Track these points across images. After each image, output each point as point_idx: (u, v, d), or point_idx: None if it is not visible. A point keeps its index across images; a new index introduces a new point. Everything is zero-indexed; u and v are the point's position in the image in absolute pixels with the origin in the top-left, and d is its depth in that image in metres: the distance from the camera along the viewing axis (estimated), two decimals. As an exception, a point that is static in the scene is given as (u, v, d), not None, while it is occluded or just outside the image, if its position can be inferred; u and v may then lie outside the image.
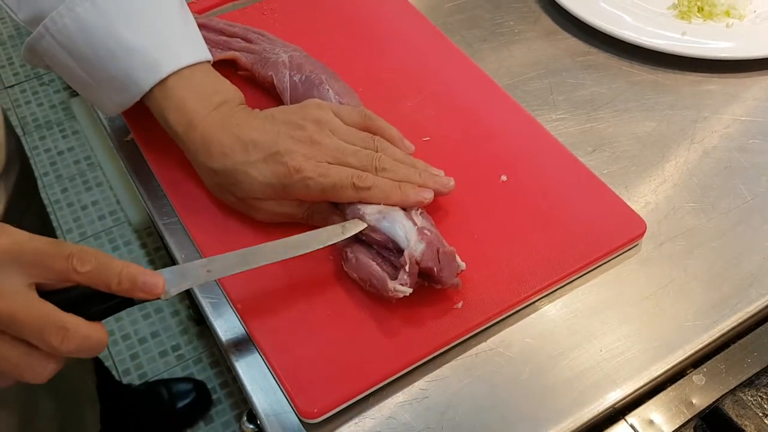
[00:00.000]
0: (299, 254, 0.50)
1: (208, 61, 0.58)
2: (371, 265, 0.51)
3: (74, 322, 0.40)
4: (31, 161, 0.81)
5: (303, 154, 0.52)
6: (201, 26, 0.61)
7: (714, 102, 0.68)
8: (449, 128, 0.64)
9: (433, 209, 0.56)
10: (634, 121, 0.66)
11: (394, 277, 0.50)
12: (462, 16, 0.77)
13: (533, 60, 0.72)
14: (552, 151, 0.62)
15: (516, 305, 0.52)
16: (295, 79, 0.62)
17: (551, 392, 0.49)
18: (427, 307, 0.51)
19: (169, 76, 0.54)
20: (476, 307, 0.51)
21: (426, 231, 0.50)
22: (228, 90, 0.57)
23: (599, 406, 0.49)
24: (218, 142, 0.53)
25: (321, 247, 0.51)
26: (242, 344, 0.52)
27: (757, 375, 0.51)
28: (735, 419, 0.48)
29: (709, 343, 0.52)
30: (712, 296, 0.54)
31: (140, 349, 1.50)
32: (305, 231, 0.52)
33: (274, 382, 0.50)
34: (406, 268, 0.49)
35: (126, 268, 0.42)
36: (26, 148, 0.81)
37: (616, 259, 0.56)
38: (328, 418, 0.48)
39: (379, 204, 0.52)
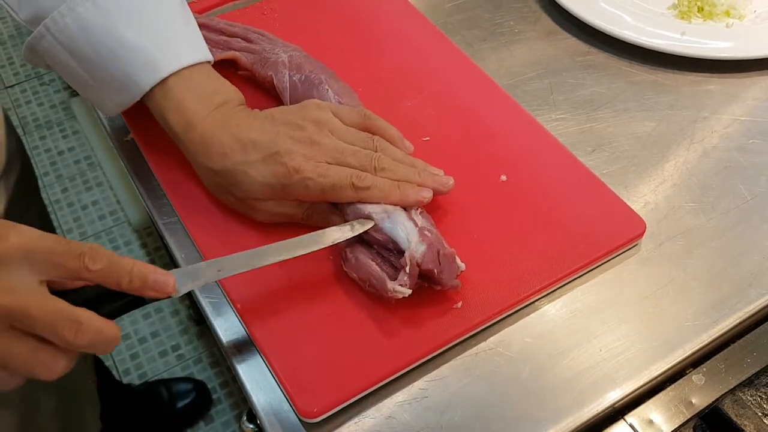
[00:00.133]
0: (308, 252, 0.50)
1: (209, 62, 0.58)
2: (371, 265, 0.51)
3: (87, 316, 0.40)
4: (32, 161, 0.81)
5: (302, 154, 0.52)
6: (201, 26, 0.61)
7: (714, 102, 0.68)
8: (449, 128, 0.64)
9: (433, 209, 0.56)
10: (634, 121, 0.66)
11: (393, 278, 0.50)
12: (462, 16, 0.77)
13: (533, 60, 0.72)
14: (552, 151, 0.62)
15: (516, 305, 0.53)
16: (294, 79, 0.62)
17: (551, 392, 0.49)
18: (427, 307, 0.51)
19: (169, 77, 0.54)
20: (476, 307, 0.51)
21: (426, 232, 0.50)
22: (228, 90, 0.57)
23: (599, 405, 0.49)
24: (218, 142, 0.53)
25: (331, 244, 0.51)
26: (242, 344, 0.52)
27: (757, 375, 0.51)
28: (734, 419, 0.48)
29: (709, 343, 0.52)
30: (711, 296, 0.54)
31: (140, 349, 1.50)
32: (305, 231, 0.52)
33: (274, 381, 0.50)
34: (407, 269, 0.49)
35: (137, 267, 0.42)
36: (26, 147, 0.81)
37: (616, 258, 0.56)
38: (327, 417, 0.48)
39: (379, 204, 0.52)
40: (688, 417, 0.50)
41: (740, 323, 0.53)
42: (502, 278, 0.53)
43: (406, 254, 0.49)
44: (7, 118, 0.73)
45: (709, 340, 0.52)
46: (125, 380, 1.45)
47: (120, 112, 0.60)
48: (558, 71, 0.71)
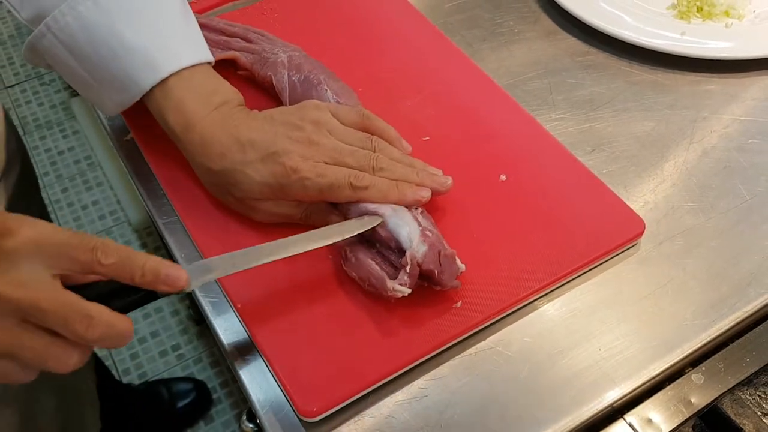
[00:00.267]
0: (320, 246, 0.50)
1: (209, 63, 0.58)
2: (371, 264, 0.51)
3: (98, 310, 0.40)
4: (32, 161, 0.81)
5: (300, 154, 0.52)
6: (201, 26, 0.61)
7: (713, 102, 0.68)
8: (449, 128, 0.64)
9: (433, 209, 0.56)
10: (634, 120, 0.67)
11: (393, 277, 0.50)
12: (462, 16, 0.77)
13: (533, 60, 0.73)
14: (551, 151, 0.62)
15: (515, 304, 0.53)
16: (293, 79, 0.62)
17: (550, 391, 0.49)
18: (426, 307, 0.51)
19: (169, 77, 0.55)
20: (475, 307, 0.52)
21: (428, 232, 0.50)
22: (227, 91, 0.57)
23: (598, 404, 0.49)
24: (216, 142, 0.53)
25: (341, 239, 0.51)
26: (242, 344, 0.52)
27: (756, 374, 0.51)
28: (733, 418, 0.48)
29: (708, 342, 0.52)
30: (710, 295, 0.54)
31: (140, 349, 1.50)
32: (304, 231, 0.52)
33: (274, 381, 0.50)
34: (407, 269, 0.49)
35: (149, 261, 0.42)
36: (26, 147, 0.81)
37: (615, 258, 0.56)
38: (327, 416, 0.48)
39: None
40: (687, 416, 0.50)
41: (739, 323, 0.53)
42: (502, 278, 0.53)
43: (408, 254, 0.49)
44: (7, 117, 0.73)
45: (708, 339, 0.52)
46: (125, 380, 1.45)
47: (120, 112, 0.60)
48: (557, 71, 0.71)
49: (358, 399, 0.48)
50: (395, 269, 0.50)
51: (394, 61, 0.70)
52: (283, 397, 0.49)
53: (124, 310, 0.43)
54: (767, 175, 0.62)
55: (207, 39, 0.60)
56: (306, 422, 0.48)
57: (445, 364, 0.51)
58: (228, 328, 0.53)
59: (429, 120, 0.64)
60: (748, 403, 0.49)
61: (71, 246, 0.40)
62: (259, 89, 0.66)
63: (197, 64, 0.56)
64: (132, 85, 0.55)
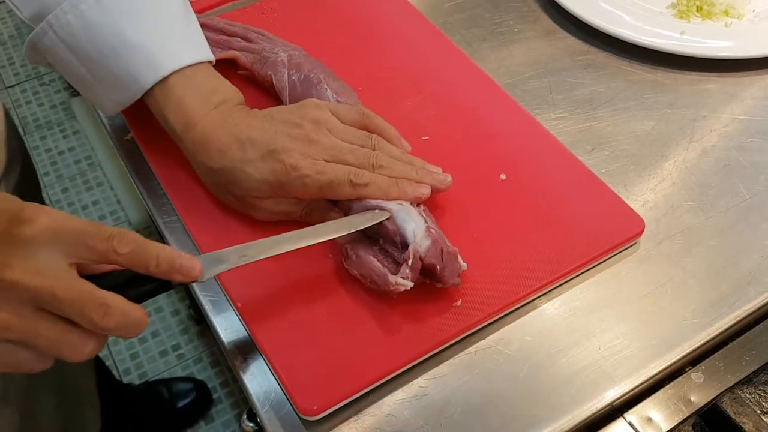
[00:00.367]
0: (329, 239, 0.51)
1: (210, 62, 0.58)
2: (372, 261, 0.51)
3: (114, 299, 0.41)
4: (33, 161, 0.81)
5: (300, 151, 0.52)
6: (201, 25, 0.61)
7: (713, 101, 0.68)
8: (449, 127, 0.64)
9: (433, 208, 0.56)
10: (633, 120, 0.67)
11: (395, 273, 0.50)
12: (462, 16, 0.77)
13: (533, 59, 0.73)
14: (551, 150, 0.62)
15: (515, 303, 0.53)
16: (293, 78, 0.62)
17: (550, 390, 0.49)
18: (427, 305, 0.51)
19: (170, 75, 0.55)
20: (475, 305, 0.52)
21: (432, 229, 0.50)
22: (228, 90, 0.57)
23: (597, 403, 0.49)
24: (216, 141, 0.54)
25: (351, 231, 0.51)
26: (242, 342, 0.52)
27: (756, 373, 0.51)
28: (733, 417, 0.48)
29: (708, 341, 0.52)
30: (710, 294, 0.54)
31: (140, 349, 1.50)
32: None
33: (274, 379, 0.50)
34: (409, 262, 0.49)
35: (163, 251, 0.43)
36: (27, 147, 0.81)
37: (615, 257, 0.56)
38: (327, 415, 0.48)
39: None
40: (687, 415, 0.50)
41: (739, 321, 0.53)
42: (502, 276, 0.53)
43: (411, 248, 0.49)
44: (8, 117, 0.73)
45: (708, 338, 0.52)
46: (125, 380, 1.45)
47: (120, 111, 0.60)
48: (557, 70, 0.71)
49: (358, 397, 0.49)
50: (397, 266, 0.50)
51: (394, 60, 0.70)
52: (284, 395, 0.49)
53: (137, 300, 0.43)
54: (767, 174, 0.62)
55: (207, 38, 0.60)
56: (306, 421, 0.48)
57: (446, 363, 0.51)
58: (228, 327, 0.53)
59: (429, 119, 0.64)
60: (748, 401, 0.49)
61: (88, 234, 0.41)
62: (259, 88, 0.66)
63: (198, 63, 0.56)
64: (133, 83, 0.55)
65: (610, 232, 0.56)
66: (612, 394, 0.49)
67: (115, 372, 1.45)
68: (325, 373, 0.48)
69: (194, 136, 0.54)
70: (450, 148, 0.62)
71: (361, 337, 0.50)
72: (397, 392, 0.49)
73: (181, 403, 1.37)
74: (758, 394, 0.50)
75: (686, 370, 0.52)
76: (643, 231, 0.57)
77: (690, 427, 0.50)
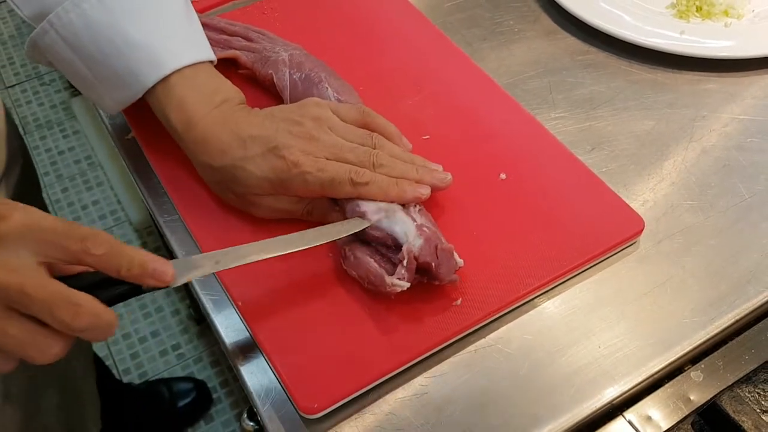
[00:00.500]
0: (311, 246, 0.50)
1: (211, 61, 0.58)
2: (369, 262, 0.51)
3: (86, 299, 0.40)
4: (33, 161, 0.81)
5: (301, 149, 0.52)
6: (202, 25, 0.61)
7: (712, 101, 0.68)
8: (449, 127, 0.64)
9: (433, 207, 0.56)
10: (633, 119, 0.67)
11: (391, 274, 0.50)
12: (462, 16, 0.77)
13: (533, 59, 0.73)
14: (551, 150, 0.62)
15: (514, 302, 0.53)
16: (294, 77, 0.62)
17: (549, 388, 0.49)
18: (426, 304, 0.52)
19: (171, 74, 0.55)
20: (475, 304, 0.52)
21: (425, 228, 0.51)
22: (229, 89, 0.57)
23: (597, 402, 0.49)
24: (217, 139, 0.54)
25: (326, 241, 0.51)
26: (243, 341, 0.52)
27: (755, 371, 0.51)
28: (732, 415, 0.48)
29: (707, 340, 0.53)
30: (709, 293, 0.54)
31: (140, 349, 1.50)
32: (306, 228, 0.52)
33: (275, 378, 0.50)
34: (404, 262, 0.49)
35: (137, 254, 0.42)
36: (27, 147, 0.81)
37: (615, 256, 0.57)
38: (328, 413, 0.48)
39: (377, 200, 0.52)
40: (687, 413, 0.50)
41: (738, 320, 0.54)
42: (501, 275, 0.53)
43: (404, 247, 0.49)
44: (8, 116, 0.74)
45: (708, 337, 0.52)
46: (125, 379, 1.45)
47: (121, 110, 0.60)
48: (557, 70, 0.72)
49: (358, 396, 0.49)
50: (394, 266, 0.51)
51: (395, 60, 0.70)
52: (284, 394, 0.49)
53: (109, 302, 0.42)
54: (766, 174, 0.62)
55: (208, 38, 0.60)
56: (307, 419, 0.48)
57: (446, 362, 0.51)
58: (229, 326, 0.53)
59: (429, 119, 0.65)
60: (747, 400, 0.49)
61: (62, 234, 0.40)
62: (260, 88, 0.66)
63: (199, 63, 0.56)
64: (134, 82, 0.55)
65: (609, 232, 0.56)
66: (612, 392, 0.49)
67: (115, 372, 1.45)
68: (326, 371, 0.49)
69: (195, 135, 0.54)
70: (450, 147, 0.62)
71: (361, 335, 0.50)
72: (397, 391, 0.49)
73: (181, 403, 1.37)
74: (757, 392, 0.50)
75: (686, 368, 0.52)
76: (642, 230, 0.57)
77: (689, 426, 0.50)
